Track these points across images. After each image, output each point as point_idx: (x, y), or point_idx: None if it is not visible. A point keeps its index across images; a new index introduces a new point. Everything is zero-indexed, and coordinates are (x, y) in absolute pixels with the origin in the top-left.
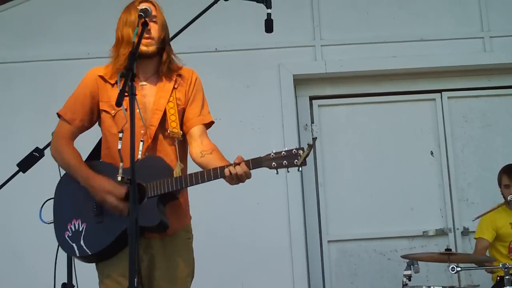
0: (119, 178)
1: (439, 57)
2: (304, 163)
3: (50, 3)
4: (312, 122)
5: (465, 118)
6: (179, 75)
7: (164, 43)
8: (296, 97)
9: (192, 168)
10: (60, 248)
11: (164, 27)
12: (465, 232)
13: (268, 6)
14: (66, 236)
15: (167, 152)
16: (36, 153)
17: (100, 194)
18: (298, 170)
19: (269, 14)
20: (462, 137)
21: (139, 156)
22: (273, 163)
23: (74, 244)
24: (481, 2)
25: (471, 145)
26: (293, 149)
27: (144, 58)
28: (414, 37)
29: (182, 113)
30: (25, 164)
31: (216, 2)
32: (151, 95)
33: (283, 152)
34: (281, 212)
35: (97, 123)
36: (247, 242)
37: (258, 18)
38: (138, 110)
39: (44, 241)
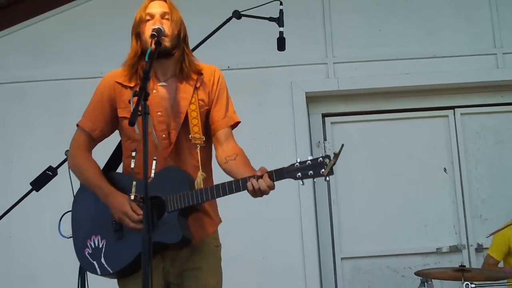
0: (132, 197)
1: (452, 73)
2: (331, 172)
3: (63, 22)
4: (325, 139)
5: (478, 134)
6: (200, 74)
7: (179, 40)
8: (308, 114)
9: (219, 172)
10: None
11: (178, 24)
12: (479, 248)
13: (281, 24)
14: (86, 253)
15: (190, 158)
16: (49, 172)
17: (118, 214)
18: (325, 180)
19: (281, 33)
20: (475, 153)
21: (152, 174)
22: (298, 173)
23: (94, 262)
24: (493, 19)
25: (484, 161)
26: (319, 158)
27: (162, 57)
28: (427, 54)
29: (205, 115)
30: (39, 182)
31: (228, 21)
32: (172, 97)
33: (308, 162)
34: (294, 229)
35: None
36: (260, 259)
37: (270, 36)
38: (151, 129)
39: (60, 258)
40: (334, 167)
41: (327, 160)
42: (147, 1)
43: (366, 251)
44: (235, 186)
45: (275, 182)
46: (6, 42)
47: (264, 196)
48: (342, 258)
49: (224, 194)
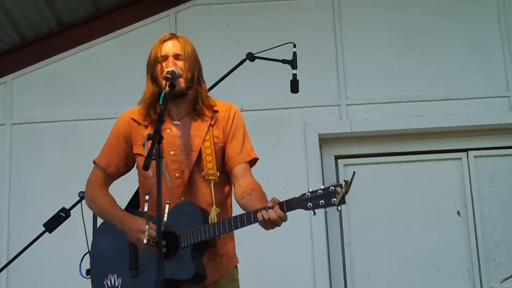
0: (145, 241)
1: (465, 116)
2: (343, 201)
3: (77, 63)
4: (338, 181)
5: (491, 177)
6: (215, 111)
7: (193, 80)
8: (321, 156)
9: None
10: None
11: (192, 63)
12: None
13: (294, 66)
14: None
15: (204, 195)
16: (62, 213)
17: (134, 234)
18: (337, 209)
19: (294, 75)
20: (489, 196)
21: (165, 218)
22: (309, 203)
23: None
24: (506, 61)
25: (498, 204)
26: (330, 187)
27: (176, 97)
28: (440, 96)
29: (221, 152)
30: (52, 224)
31: (242, 63)
32: (186, 135)
33: (319, 191)
34: (307, 272)
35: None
36: None
37: (283, 78)
38: (164, 172)
39: None
40: (348, 206)
41: (338, 189)
42: (159, 41)
43: None
44: (247, 218)
45: (287, 213)
46: (20, 83)
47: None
48: None
49: (236, 227)
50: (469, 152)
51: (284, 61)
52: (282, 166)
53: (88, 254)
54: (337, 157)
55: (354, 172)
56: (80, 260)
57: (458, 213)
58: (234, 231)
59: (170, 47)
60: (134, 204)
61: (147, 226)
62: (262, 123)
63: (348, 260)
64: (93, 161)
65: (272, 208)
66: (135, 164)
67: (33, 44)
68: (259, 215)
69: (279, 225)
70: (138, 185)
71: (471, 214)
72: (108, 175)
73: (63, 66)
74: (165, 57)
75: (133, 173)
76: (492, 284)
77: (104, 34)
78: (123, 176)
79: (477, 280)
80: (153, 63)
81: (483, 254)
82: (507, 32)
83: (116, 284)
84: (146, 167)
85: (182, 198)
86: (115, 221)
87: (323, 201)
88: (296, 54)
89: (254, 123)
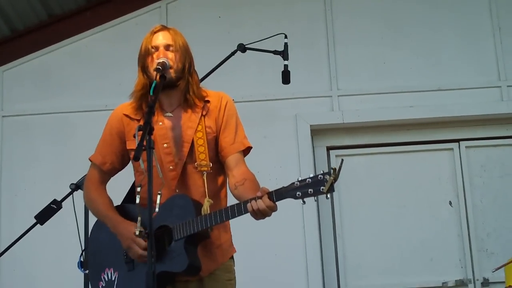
0: (137, 232)
1: (456, 106)
2: (331, 189)
3: (68, 55)
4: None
5: (483, 167)
6: (207, 101)
7: (184, 71)
8: (313, 147)
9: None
10: None
11: (183, 54)
12: (485, 283)
13: (285, 57)
14: (100, 286)
15: (197, 186)
16: (53, 205)
17: (126, 242)
18: (327, 197)
19: (286, 66)
20: (480, 186)
21: (157, 209)
22: (298, 192)
23: None
24: (497, 52)
25: (489, 194)
26: (318, 175)
27: (167, 88)
28: (431, 87)
29: (214, 142)
30: (43, 216)
31: (233, 54)
32: (178, 127)
33: (308, 180)
34: (299, 263)
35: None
36: None
37: (275, 69)
38: (155, 163)
39: None
40: (340, 197)
41: (327, 177)
42: (150, 32)
43: (372, 285)
44: (237, 209)
45: (277, 203)
46: (11, 75)
47: (270, 220)
48: None
49: (227, 218)
50: (460, 142)
51: (275, 52)
52: (274, 157)
53: (85, 249)
54: (329, 148)
55: (342, 160)
56: (79, 256)
57: (450, 203)
58: (230, 222)
59: (161, 38)
60: (129, 200)
61: (139, 218)
62: (253, 114)
63: (340, 251)
64: (89, 159)
65: (261, 198)
66: (130, 160)
67: (23, 36)
68: (248, 205)
69: (269, 215)
70: (133, 180)
71: (463, 204)
72: (104, 172)
73: (54, 58)
74: (156, 48)
75: (129, 168)
76: (484, 274)
77: (95, 25)
78: (119, 172)
79: (469, 270)
80: (144, 55)
81: (475, 244)
82: (499, 22)
83: (113, 278)
84: (136, 158)
85: (177, 191)
86: (108, 225)
87: (312, 190)
88: (287, 45)
89: (246, 114)
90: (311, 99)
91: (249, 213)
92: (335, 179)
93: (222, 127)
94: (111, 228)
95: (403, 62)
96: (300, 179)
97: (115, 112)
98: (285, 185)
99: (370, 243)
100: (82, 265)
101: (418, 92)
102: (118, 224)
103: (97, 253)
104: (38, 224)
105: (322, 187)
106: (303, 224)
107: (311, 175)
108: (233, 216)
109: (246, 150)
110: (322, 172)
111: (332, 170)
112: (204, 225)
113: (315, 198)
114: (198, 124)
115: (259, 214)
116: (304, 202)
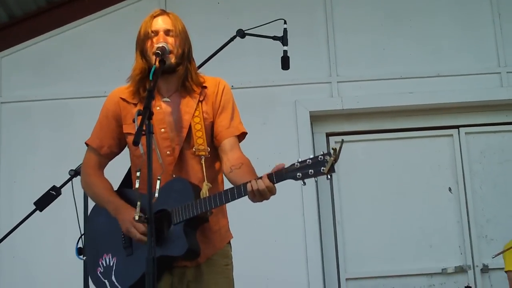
0: (137, 217)
1: (456, 92)
2: (332, 170)
3: (66, 41)
4: None
5: (483, 154)
6: (204, 87)
7: (183, 56)
8: (312, 133)
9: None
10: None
11: (182, 39)
12: (485, 269)
13: (285, 43)
14: (98, 272)
15: (195, 171)
16: (53, 192)
17: (125, 225)
18: (327, 178)
19: (285, 51)
20: (480, 173)
21: (156, 194)
22: (298, 173)
23: (106, 281)
24: (497, 38)
25: (489, 181)
26: (319, 156)
27: (165, 73)
28: (431, 73)
29: (211, 127)
30: (42, 202)
31: (233, 39)
32: (175, 112)
33: (308, 160)
34: (299, 250)
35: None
36: (265, 280)
37: (274, 55)
38: (155, 148)
39: (63, 278)
40: (339, 183)
41: (327, 158)
42: (150, 16)
43: (371, 272)
44: (237, 191)
45: (277, 186)
46: (10, 62)
47: (269, 207)
48: (347, 279)
49: (227, 200)
50: (460, 128)
51: (274, 38)
52: (273, 143)
53: (82, 236)
54: (328, 134)
55: (342, 140)
56: (76, 242)
57: (450, 189)
58: (227, 207)
59: (161, 23)
60: (126, 185)
61: (138, 203)
62: (253, 100)
63: (340, 238)
64: (85, 143)
65: (261, 178)
66: (127, 144)
67: (21, 22)
68: (248, 185)
69: (267, 198)
70: (130, 165)
71: (462, 191)
72: (102, 156)
73: (53, 44)
74: (156, 33)
75: (125, 153)
76: (483, 260)
77: (93, 12)
78: (115, 157)
79: (469, 256)
80: (143, 39)
81: (474, 230)
82: (498, 8)
83: (111, 264)
84: (136, 142)
85: (174, 176)
86: (109, 209)
87: (312, 171)
88: (286, 31)
89: (245, 100)
90: (311, 85)
91: (247, 196)
92: (336, 160)
93: (219, 111)
94: (112, 212)
95: (403, 49)
96: (300, 160)
97: (111, 95)
98: (286, 166)
99: (370, 229)
100: (79, 251)
101: (417, 78)
102: (120, 208)
103: (95, 238)
104: (37, 211)
105: (322, 168)
106: (302, 212)
107: (311, 156)
108: (233, 199)
109: (241, 136)
110: (322, 153)
111: (332, 151)
112: (204, 208)
113: (315, 179)
114: (196, 109)
115: (257, 196)
116: (304, 183)
